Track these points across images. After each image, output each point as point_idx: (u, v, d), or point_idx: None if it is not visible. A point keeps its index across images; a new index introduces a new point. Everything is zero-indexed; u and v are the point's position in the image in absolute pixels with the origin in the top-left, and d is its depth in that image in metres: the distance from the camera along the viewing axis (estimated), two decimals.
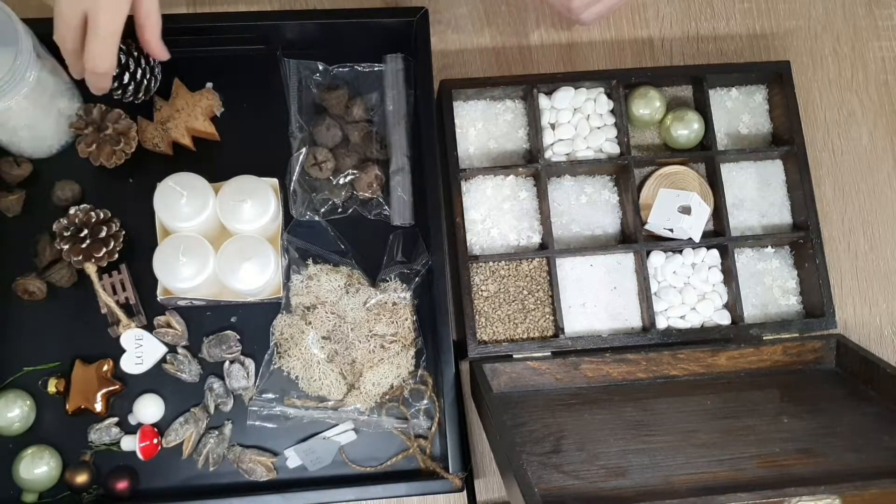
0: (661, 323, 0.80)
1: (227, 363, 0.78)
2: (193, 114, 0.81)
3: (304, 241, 0.80)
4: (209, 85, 0.83)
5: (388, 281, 0.80)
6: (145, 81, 0.77)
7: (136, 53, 0.75)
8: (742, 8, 0.92)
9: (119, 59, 0.72)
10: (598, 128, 0.84)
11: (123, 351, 0.77)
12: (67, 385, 0.76)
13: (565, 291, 0.80)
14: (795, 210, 0.84)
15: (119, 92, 0.77)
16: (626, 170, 0.82)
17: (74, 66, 0.71)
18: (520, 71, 0.89)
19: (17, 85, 0.70)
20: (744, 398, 0.76)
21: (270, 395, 0.78)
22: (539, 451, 0.68)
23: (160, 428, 0.76)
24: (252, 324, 0.79)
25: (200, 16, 0.84)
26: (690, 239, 0.80)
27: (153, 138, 0.80)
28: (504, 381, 0.77)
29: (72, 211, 0.77)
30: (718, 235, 0.83)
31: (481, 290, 0.79)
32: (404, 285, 0.79)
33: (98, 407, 0.75)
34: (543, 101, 0.84)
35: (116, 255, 0.77)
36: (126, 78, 0.75)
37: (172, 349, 0.78)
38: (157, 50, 0.73)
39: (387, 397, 0.78)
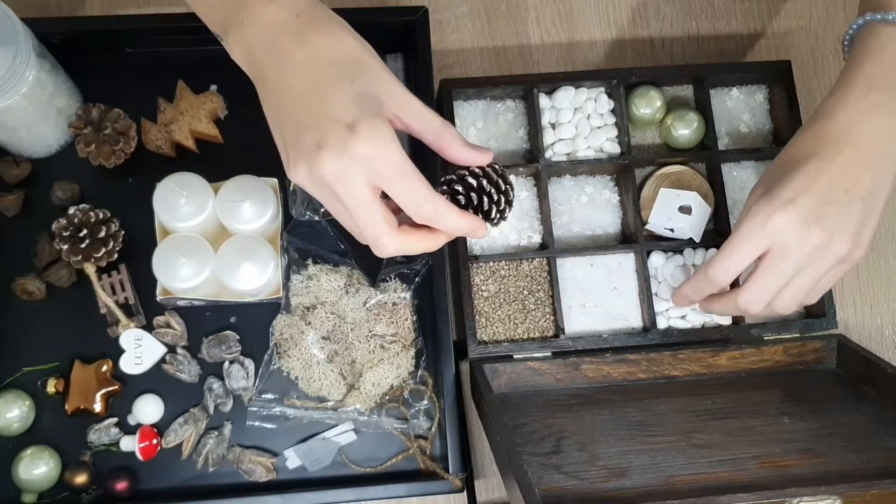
0: (662, 323, 0.80)
1: (226, 363, 0.77)
2: (197, 116, 0.81)
3: (303, 241, 0.80)
4: (213, 87, 0.83)
5: (388, 281, 0.79)
6: (495, 197, 0.58)
7: (461, 176, 0.57)
8: (743, 7, 0.92)
9: (458, 199, 0.57)
10: (599, 127, 0.83)
11: (123, 351, 0.76)
12: (67, 385, 0.76)
13: (565, 291, 0.80)
14: None
15: (494, 220, 0.59)
16: (627, 169, 0.82)
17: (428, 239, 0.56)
18: (520, 70, 0.88)
19: (17, 84, 0.70)
20: (744, 398, 0.76)
21: (270, 396, 0.77)
22: (539, 451, 0.68)
23: (159, 428, 0.76)
24: (252, 324, 0.79)
25: None
26: (691, 239, 0.80)
27: (156, 140, 0.80)
28: (504, 382, 0.77)
29: (71, 211, 0.77)
30: (719, 235, 0.82)
31: (481, 290, 0.79)
32: (404, 285, 0.79)
33: (97, 407, 0.75)
34: (544, 100, 0.83)
35: (116, 255, 0.77)
36: (483, 205, 0.57)
37: (172, 349, 0.78)
38: (470, 156, 0.56)
39: (387, 398, 0.78)
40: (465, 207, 0.57)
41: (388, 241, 0.55)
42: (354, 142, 0.51)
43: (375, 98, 0.54)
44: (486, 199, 0.57)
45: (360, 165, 0.52)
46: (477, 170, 0.57)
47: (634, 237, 0.81)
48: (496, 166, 0.58)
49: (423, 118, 0.56)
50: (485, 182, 0.57)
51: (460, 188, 0.56)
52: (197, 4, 0.60)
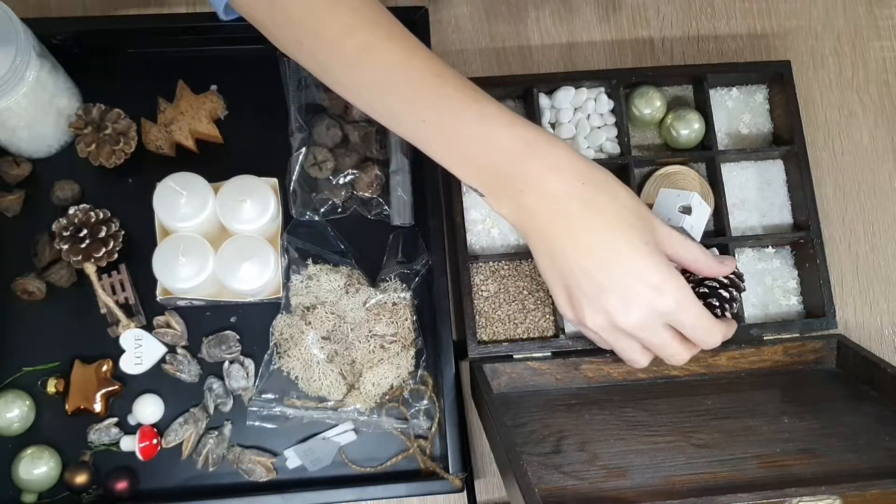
0: None
1: (226, 363, 0.77)
2: (197, 116, 0.81)
3: (303, 241, 0.80)
4: (213, 87, 0.83)
5: (388, 281, 0.79)
6: (738, 300, 0.68)
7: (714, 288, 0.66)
8: (742, 7, 0.92)
9: (714, 309, 0.65)
10: (599, 127, 0.83)
11: (123, 351, 0.76)
12: (67, 385, 0.76)
13: None
14: (796, 210, 0.84)
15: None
16: (627, 169, 0.82)
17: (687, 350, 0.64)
18: (520, 71, 0.88)
19: (17, 84, 0.70)
20: (744, 398, 0.76)
21: (270, 396, 0.77)
22: (539, 451, 0.68)
23: (159, 428, 0.76)
24: (252, 324, 0.79)
25: (200, 15, 0.84)
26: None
27: (156, 140, 0.80)
28: (504, 382, 0.77)
29: (71, 211, 0.77)
30: (719, 235, 0.82)
31: (481, 290, 0.79)
32: (404, 285, 0.79)
33: (97, 407, 0.75)
34: (544, 100, 0.83)
35: (116, 255, 0.77)
36: (733, 309, 0.67)
37: (172, 349, 0.78)
38: (721, 270, 0.64)
39: (387, 397, 0.78)
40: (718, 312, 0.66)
41: (685, 355, 0.64)
42: (662, 301, 0.59)
43: (660, 247, 0.60)
44: (735, 304, 0.66)
45: (663, 317, 0.60)
46: (724, 280, 0.65)
47: None
48: (736, 269, 0.66)
49: (686, 250, 0.63)
50: (734, 291, 0.66)
51: (716, 301, 0.65)
52: (455, 163, 0.62)
